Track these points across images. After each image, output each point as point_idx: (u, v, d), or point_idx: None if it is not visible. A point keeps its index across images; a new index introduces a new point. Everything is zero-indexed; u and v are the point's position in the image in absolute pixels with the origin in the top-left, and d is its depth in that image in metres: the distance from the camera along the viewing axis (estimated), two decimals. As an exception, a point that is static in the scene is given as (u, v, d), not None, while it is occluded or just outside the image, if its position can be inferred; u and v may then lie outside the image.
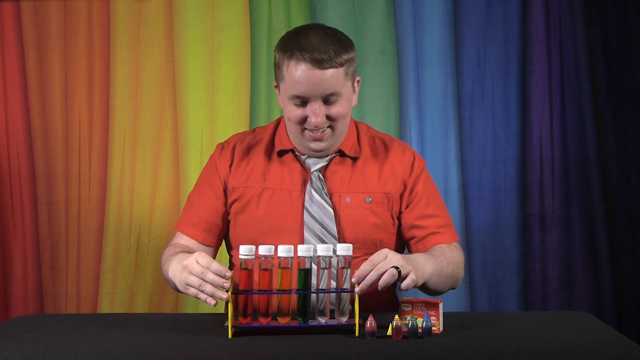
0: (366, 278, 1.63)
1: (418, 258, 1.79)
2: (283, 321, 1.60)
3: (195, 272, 1.67)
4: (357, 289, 1.62)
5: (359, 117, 2.82)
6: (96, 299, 2.87)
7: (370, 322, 1.52)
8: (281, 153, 1.99)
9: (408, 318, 1.55)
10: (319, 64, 1.82)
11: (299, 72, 1.84)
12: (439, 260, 1.86)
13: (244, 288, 1.59)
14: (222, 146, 2.05)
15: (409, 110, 2.83)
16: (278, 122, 2.05)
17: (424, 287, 1.84)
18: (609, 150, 2.81)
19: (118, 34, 2.88)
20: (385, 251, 1.69)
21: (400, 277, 1.66)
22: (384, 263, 1.65)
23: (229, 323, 1.56)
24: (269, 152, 2.00)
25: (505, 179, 2.84)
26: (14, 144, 2.89)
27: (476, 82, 2.85)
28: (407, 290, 1.67)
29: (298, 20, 2.85)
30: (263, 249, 1.59)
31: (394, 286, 2.05)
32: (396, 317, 1.54)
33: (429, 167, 2.81)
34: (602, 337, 1.55)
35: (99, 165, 2.89)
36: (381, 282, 1.62)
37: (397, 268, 1.64)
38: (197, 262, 1.68)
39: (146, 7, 2.88)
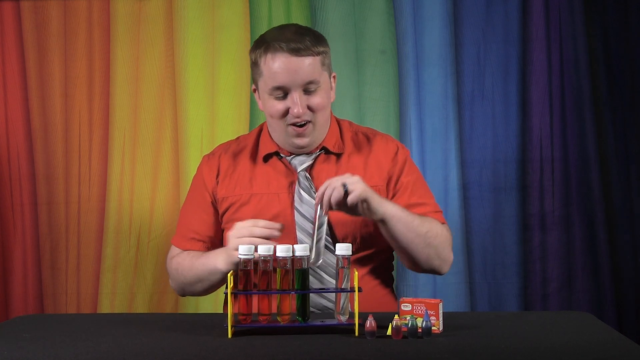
0: (318, 192, 1.75)
1: (383, 198, 1.84)
2: (283, 321, 1.60)
3: (245, 233, 1.76)
4: (323, 210, 1.76)
5: (359, 117, 2.82)
6: (96, 299, 2.87)
7: (370, 322, 1.52)
8: (266, 158, 2.01)
9: (408, 318, 1.55)
10: (296, 52, 1.87)
11: (277, 63, 1.88)
12: (412, 215, 1.87)
13: (244, 288, 1.59)
14: (207, 158, 2.07)
15: (409, 110, 2.83)
16: (261, 128, 2.08)
17: (388, 232, 1.85)
18: (609, 150, 2.81)
19: (118, 34, 2.88)
20: (346, 174, 1.78)
21: (349, 192, 1.75)
22: (334, 181, 1.75)
23: (229, 323, 1.56)
24: (253, 158, 2.02)
25: (505, 179, 2.84)
26: (14, 144, 2.89)
27: (476, 82, 2.85)
28: (353, 205, 1.75)
29: (298, 20, 2.85)
30: (262, 249, 1.59)
31: (390, 283, 2.07)
32: (396, 317, 1.54)
33: (429, 167, 2.83)
34: (602, 337, 1.55)
35: (99, 165, 2.89)
36: (332, 199, 1.74)
37: (344, 186, 1.74)
38: (241, 227, 1.78)
39: (146, 7, 2.88)
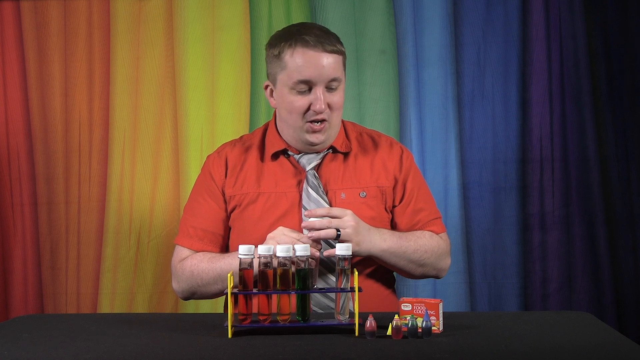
0: (317, 222, 1.81)
1: (376, 234, 1.89)
2: (283, 321, 1.60)
3: (288, 242, 1.78)
4: (303, 223, 1.83)
5: (359, 117, 2.83)
6: (96, 299, 2.87)
7: (370, 322, 1.52)
8: (274, 156, 2.01)
9: (408, 318, 1.55)
10: (324, 47, 1.89)
11: (305, 57, 1.89)
12: (406, 241, 1.93)
13: (244, 288, 1.59)
14: (214, 156, 2.07)
15: (409, 110, 2.83)
16: (266, 127, 2.08)
17: (380, 261, 1.94)
18: (609, 150, 2.81)
19: (118, 34, 2.88)
20: (349, 211, 1.84)
21: (339, 241, 1.81)
22: (338, 221, 1.81)
23: (229, 323, 1.56)
24: (261, 156, 2.02)
25: (505, 179, 2.84)
26: (14, 144, 2.89)
27: (476, 82, 2.85)
28: (328, 256, 1.82)
29: (298, 20, 2.85)
30: (262, 249, 1.59)
31: (392, 283, 2.07)
32: (396, 317, 1.54)
33: (429, 167, 2.83)
34: (602, 337, 1.55)
35: (99, 165, 2.88)
36: (315, 234, 1.80)
37: (338, 231, 1.82)
38: (284, 234, 1.80)
39: (146, 7, 2.88)
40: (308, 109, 1.91)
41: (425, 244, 1.96)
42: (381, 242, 1.89)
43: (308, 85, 1.90)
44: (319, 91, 1.90)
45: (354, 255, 1.82)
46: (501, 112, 2.84)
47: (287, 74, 1.91)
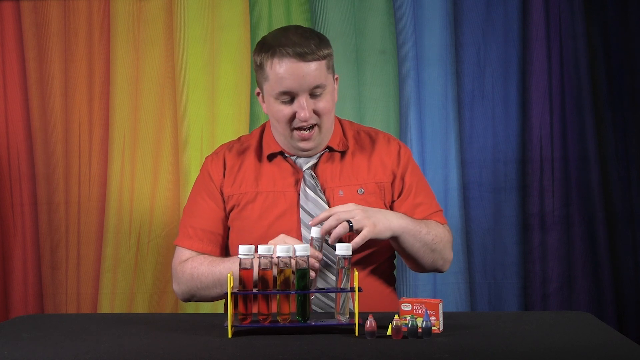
0: (325, 223, 1.78)
1: (390, 213, 1.89)
2: (283, 321, 1.60)
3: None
4: (313, 231, 1.79)
5: (359, 117, 2.83)
6: (96, 299, 2.87)
7: (370, 322, 1.52)
8: (270, 157, 2.01)
9: (408, 318, 1.55)
10: (302, 57, 1.87)
11: (283, 68, 1.87)
12: (419, 223, 1.92)
13: (244, 288, 1.59)
14: (211, 157, 2.07)
15: (409, 110, 2.83)
16: (263, 128, 2.09)
17: (398, 245, 1.91)
18: (609, 150, 2.81)
19: (118, 34, 2.88)
20: (349, 203, 1.83)
21: (354, 231, 1.78)
22: (344, 213, 1.79)
23: (229, 323, 1.56)
24: (258, 157, 2.03)
25: (505, 179, 2.84)
26: (14, 144, 2.89)
27: (476, 82, 2.85)
28: (357, 247, 1.78)
29: (298, 20, 2.85)
30: (262, 249, 1.59)
31: (392, 282, 2.07)
32: (396, 316, 1.54)
33: (429, 167, 2.83)
34: (602, 337, 1.55)
35: (99, 165, 2.88)
36: (335, 234, 1.77)
37: (349, 222, 1.78)
38: (285, 242, 1.78)
39: (146, 7, 2.88)
40: (294, 116, 1.91)
41: (435, 228, 1.96)
42: (398, 218, 1.87)
43: (290, 96, 1.90)
44: (302, 100, 1.89)
45: (375, 238, 1.83)
46: (501, 112, 2.85)
47: (270, 85, 1.91)
